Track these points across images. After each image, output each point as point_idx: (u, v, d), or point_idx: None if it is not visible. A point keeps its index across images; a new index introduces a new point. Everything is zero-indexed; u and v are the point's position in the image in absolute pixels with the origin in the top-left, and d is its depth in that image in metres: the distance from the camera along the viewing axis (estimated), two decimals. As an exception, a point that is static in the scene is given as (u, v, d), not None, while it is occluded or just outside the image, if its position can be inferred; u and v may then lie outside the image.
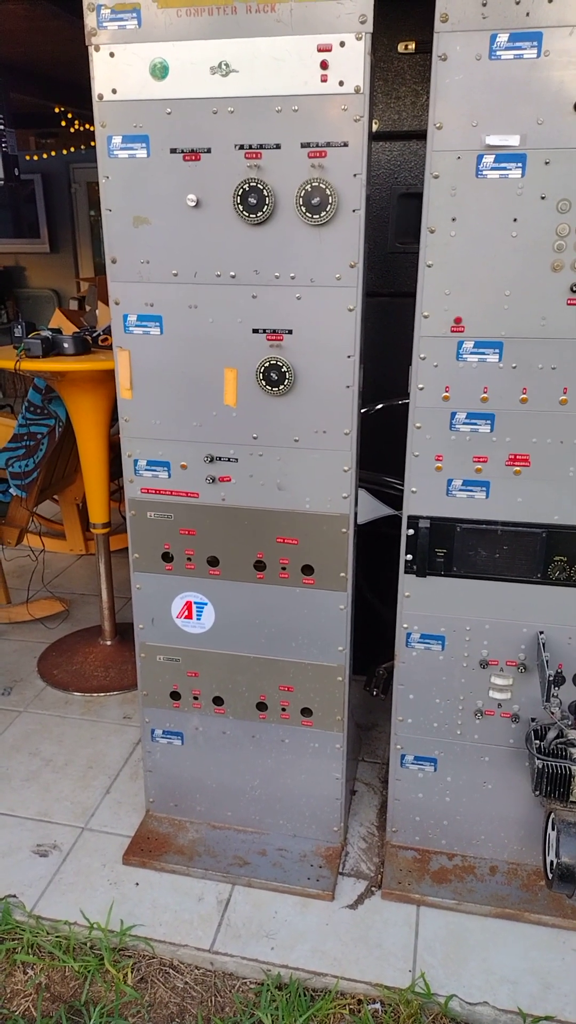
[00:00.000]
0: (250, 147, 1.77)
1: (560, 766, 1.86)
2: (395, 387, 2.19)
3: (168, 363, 1.99)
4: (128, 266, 1.93)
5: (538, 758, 1.88)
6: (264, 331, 1.90)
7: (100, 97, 1.82)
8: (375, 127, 2.49)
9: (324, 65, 1.68)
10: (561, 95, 1.62)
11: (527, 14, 1.59)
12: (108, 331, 2.97)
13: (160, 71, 1.77)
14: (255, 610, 2.15)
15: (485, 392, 1.86)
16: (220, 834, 2.37)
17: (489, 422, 1.88)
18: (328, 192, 1.75)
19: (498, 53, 1.62)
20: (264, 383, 1.93)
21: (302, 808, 2.32)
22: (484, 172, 1.70)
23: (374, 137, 2.26)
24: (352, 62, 1.67)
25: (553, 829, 1.89)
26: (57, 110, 7.27)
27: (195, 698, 2.28)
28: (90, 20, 1.77)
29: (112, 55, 1.78)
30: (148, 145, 1.82)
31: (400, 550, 2.03)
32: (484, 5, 1.60)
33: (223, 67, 1.73)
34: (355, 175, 1.74)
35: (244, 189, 1.78)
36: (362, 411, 2.00)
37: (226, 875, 2.25)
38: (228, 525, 2.09)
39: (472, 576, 2.00)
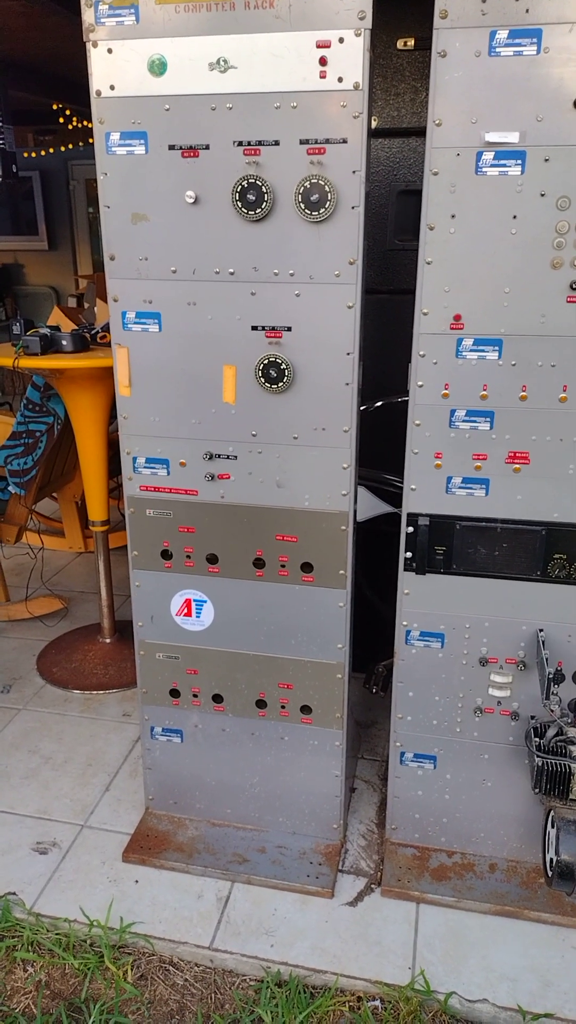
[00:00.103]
0: (249, 144, 1.76)
1: (559, 764, 1.86)
2: (394, 384, 2.18)
3: (167, 360, 1.99)
4: (127, 263, 1.93)
5: (537, 756, 1.88)
6: (263, 328, 1.90)
7: (98, 93, 1.81)
8: (374, 124, 2.49)
9: (323, 61, 1.68)
10: (561, 92, 1.62)
11: (527, 11, 1.58)
12: (107, 328, 2.96)
13: (158, 67, 1.76)
14: (254, 608, 2.15)
15: (485, 389, 1.85)
16: (219, 831, 2.38)
17: (489, 420, 1.88)
18: (327, 189, 1.74)
19: (498, 50, 1.62)
20: (263, 380, 1.93)
21: (301, 805, 2.32)
22: (484, 169, 1.70)
23: (373, 134, 2.25)
24: (351, 58, 1.67)
25: (552, 827, 1.89)
26: (55, 107, 7.24)
27: (194, 696, 2.28)
28: (88, 16, 1.77)
29: (110, 51, 1.78)
30: (146, 142, 1.82)
31: (399, 548, 2.02)
32: (484, 1, 1.59)
33: (221, 63, 1.73)
34: (354, 172, 1.73)
35: (243, 186, 1.78)
36: (361, 408, 2.00)
37: (226, 872, 2.25)
38: (227, 522, 2.09)
39: (472, 574, 2.00)
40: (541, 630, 1.99)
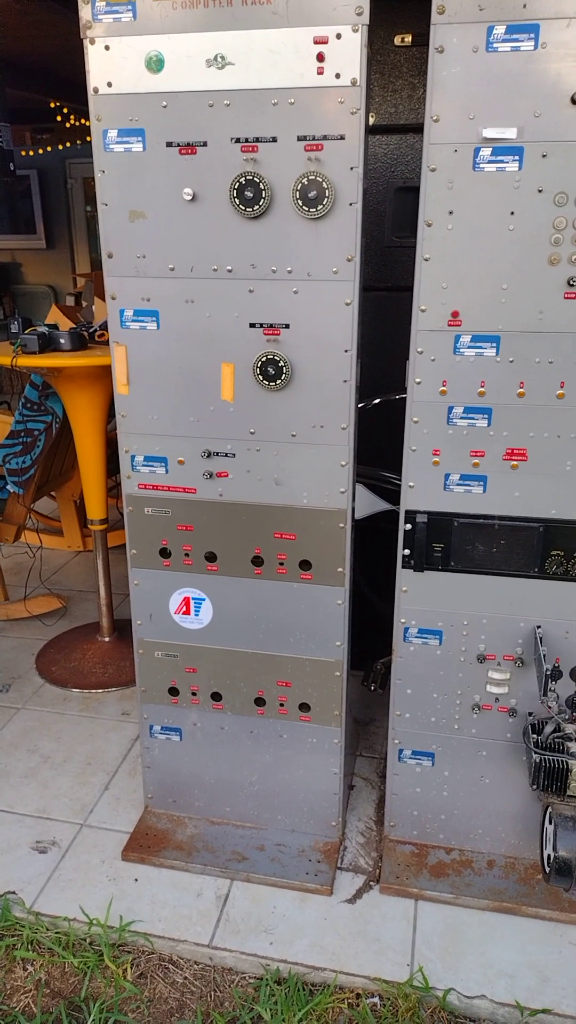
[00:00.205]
0: (246, 140, 1.76)
1: (557, 760, 1.86)
2: (392, 381, 2.18)
3: (165, 358, 1.98)
4: (124, 261, 1.93)
5: (535, 752, 1.88)
6: (261, 325, 1.90)
7: (95, 91, 1.81)
8: (372, 120, 2.49)
9: (320, 58, 1.68)
10: (558, 87, 1.62)
11: (524, 6, 1.58)
12: (105, 326, 2.96)
13: (156, 64, 1.76)
14: (253, 605, 2.15)
15: (482, 386, 1.85)
16: (218, 829, 2.38)
17: (486, 416, 1.88)
18: (325, 185, 1.74)
19: (495, 45, 1.62)
20: (261, 378, 1.92)
21: (300, 803, 2.32)
22: (481, 165, 1.70)
23: (371, 130, 2.25)
24: (349, 54, 1.67)
25: (550, 823, 1.89)
26: (53, 105, 7.24)
27: (193, 694, 2.28)
28: (85, 13, 1.77)
29: (107, 48, 1.77)
30: (144, 139, 1.81)
31: (397, 545, 2.02)
32: (481, -3, 1.59)
33: (219, 60, 1.73)
34: (352, 168, 1.73)
35: (240, 183, 1.77)
36: (359, 406, 2.00)
37: (225, 870, 2.25)
38: (226, 520, 2.09)
39: (469, 571, 2.00)
40: (539, 627, 1.99)
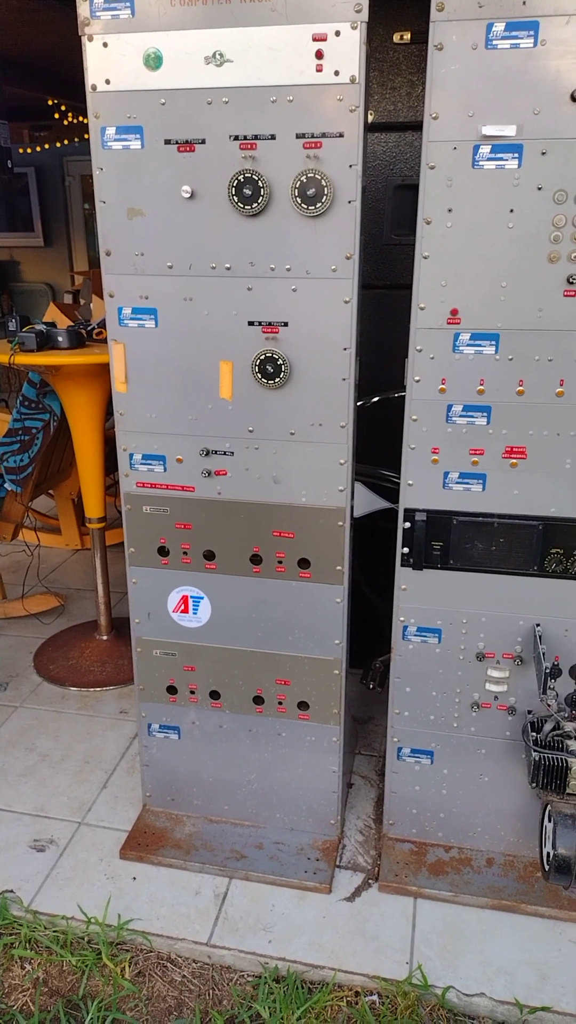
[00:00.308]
0: (245, 138, 1.76)
1: (556, 758, 1.86)
2: (391, 380, 2.18)
3: (163, 356, 1.98)
4: (122, 258, 1.92)
5: (534, 750, 1.88)
6: (260, 324, 1.89)
7: (93, 88, 1.81)
8: (370, 118, 2.48)
9: (319, 55, 1.67)
10: (558, 84, 1.61)
11: (523, 3, 1.58)
12: (103, 324, 2.95)
13: (154, 61, 1.76)
14: (251, 604, 2.15)
15: (481, 384, 1.85)
16: (217, 828, 2.37)
17: (485, 414, 1.87)
18: (324, 183, 1.74)
19: (494, 42, 1.61)
20: (260, 376, 1.92)
21: (299, 801, 2.32)
22: (480, 162, 1.69)
23: (369, 128, 2.24)
24: (347, 52, 1.66)
25: (550, 821, 1.89)
26: (50, 102, 7.22)
27: (192, 692, 2.28)
28: (83, 10, 1.76)
29: (105, 45, 1.77)
30: (142, 136, 1.81)
31: (396, 543, 2.02)
32: (480, -6, 1.59)
33: (217, 57, 1.72)
34: (351, 166, 1.73)
35: (239, 180, 1.77)
36: (358, 404, 1.99)
37: (223, 869, 2.25)
38: (224, 519, 2.09)
39: (469, 569, 2.00)
40: (538, 625, 1.99)
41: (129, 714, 2.99)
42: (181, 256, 1.88)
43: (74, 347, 2.91)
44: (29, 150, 8.24)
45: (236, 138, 1.76)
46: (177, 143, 1.80)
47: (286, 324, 1.88)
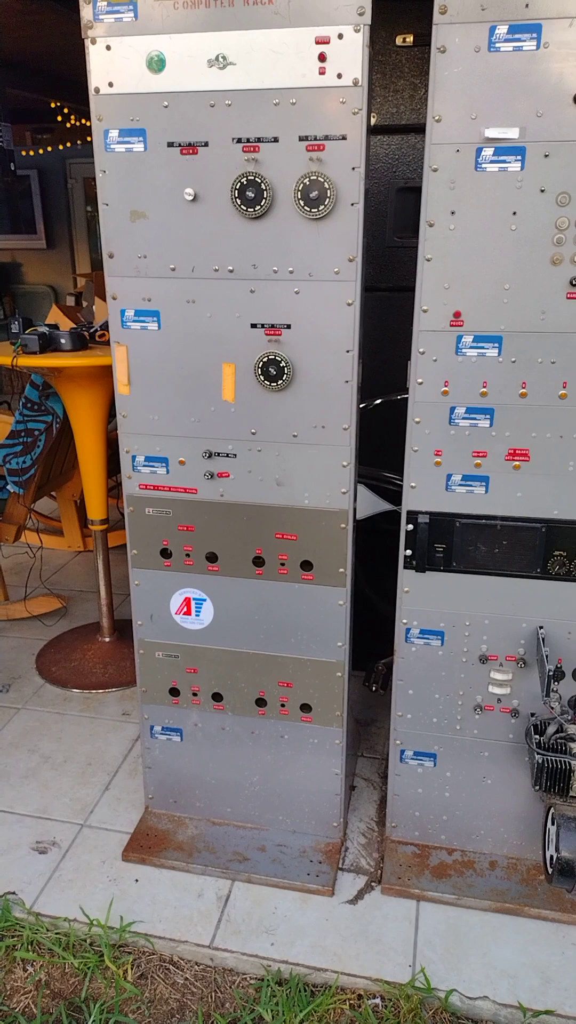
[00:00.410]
0: (248, 140, 1.76)
1: (560, 761, 1.86)
2: (394, 382, 2.18)
3: (166, 358, 1.98)
4: (125, 261, 1.92)
5: (538, 753, 1.88)
6: (262, 326, 1.89)
7: (96, 90, 1.81)
8: (373, 121, 2.48)
9: (322, 58, 1.67)
10: (561, 87, 1.61)
11: (526, 5, 1.58)
12: (105, 326, 2.96)
13: (157, 64, 1.76)
14: (254, 606, 2.15)
15: (484, 386, 1.85)
16: (219, 830, 2.37)
17: (488, 417, 1.87)
18: (326, 186, 1.74)
19: (497, 45, 1.61)
20: (262, 378, 1.92)
21: (301, 804, 2.32)
22: (483, 165, 1.69)
23: (372, 131, 2.25)
24: (350, 54, 1.66)
25: (553, 824, 1.89)
26: (53, 105, 7.24)
27: (194, 694, 2.27)
28: (86, 13, 1.76)
29: (108, 48, 1.77)
30: (145, 139, 1.81)
31: (399, 545, 2.02)
32: (483, -3, 1.59)
33: (220, 60, 1.72)
34: (354, 168, 1.73)
35: (242, 183, 1.77)
36: (361, 406, 1.99)
37: (226, 871, 2.25)
38: (227, 521, 2.09)
39: (471, 571, 2.00)
40: (541, 627, 1.99)
41: (131, 716, 2.99)
42: (184, 258, 1.89)
43: (77, 349, 2.91)
44: (32, 152, 8.26)
45: (239, 141, 1.76)
46: (180, 146, 1.80)
47: (289, 326, 1.88)
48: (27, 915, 2.13)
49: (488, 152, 1.68)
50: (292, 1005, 1.89)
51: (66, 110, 7.41)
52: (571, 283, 1.73)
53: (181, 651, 2.25)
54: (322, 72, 1.68)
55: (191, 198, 1.82)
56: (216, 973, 2.00)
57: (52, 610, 3.78)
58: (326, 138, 1.72)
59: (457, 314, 1.81)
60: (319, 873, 2.23)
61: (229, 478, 2.05)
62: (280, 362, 1.89)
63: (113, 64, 1.78)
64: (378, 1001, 1.91)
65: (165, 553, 2.16)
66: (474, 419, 1.88)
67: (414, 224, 1.81)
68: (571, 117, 1.63)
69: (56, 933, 2.08)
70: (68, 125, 7.65)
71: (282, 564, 2.09)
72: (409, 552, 2.01)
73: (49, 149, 8.25)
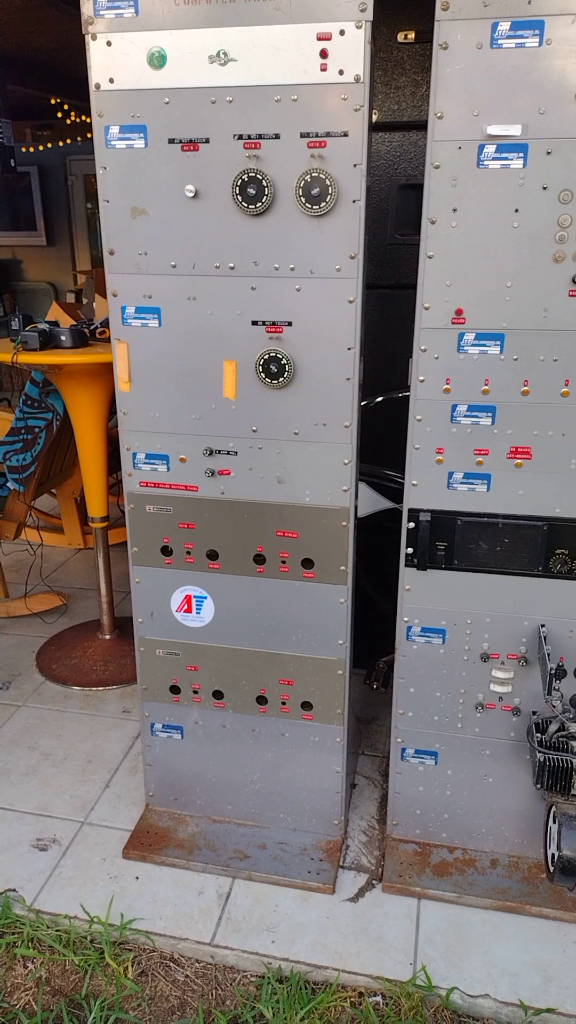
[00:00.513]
0: (249, 137, 1.75)
1: (561, 759, 1.86)
2: (395, 380, 2.17)
3: (167, 355, 1.98)
4: (126, 258, 1.92)
5: (539, 751, 1.88)
6: (263, 323, 1.89)
7: (97, 87, 1.80)
8: (375, 117, 2.48)
9: (324, 54, 1.67)
10: (563, 84, 1.61)
11: (529, 2, 1.57)
12: (106, 323, 2.95)
13: (158, 60, 1.75)
14: (255, 604, 2.15)
15: (486, 384, 1.85)
16: (220, 828, 2.37)
17: (490, 414, 1.87)
18: (328, 182, 1.73)
19: (499, 42, 1.61)
20: (263, 375, 1.92)
21: (302, 802, 2.32)
22: (485, 162, 1.69)
23: (374, 128, 2.24)
24: (352, 51, 1.66)
25: (554, 822, 1.89)
26: (53, 101, 7.22)
27: (195, 692, 2.27)
28: (87, 8, 1.75)
29: (109, 44, 1.76)
30: (146, 135, 1.81)
31: (400, 543, 2.02)
32: (485, -7, 1.58)
33: (221, 56, 1.72)
34: (355, 165, 1.72)
35: (243, 180, 1.77)
36: (362, 404, 1.99)
37: (226, 869, 2.25)
38: (227, 518, 2.09)
39: (473, 569, 1.99)
40: (543, 625, 1.99)
41: (132, 713, 2.99)
42: (185, 255, 1.88)
43: (77, 346, 2.90)
44: (32, 149, 8.25)
45: (240, 137, 1.76)
46: (181, 142, 1.79)
47: (290, 324, 1.88)
48: (27, 912, 2.13)
49: (490, 149, 1.68)
50: (293, 1003, 1.89)
51: (66, 106, 7.40)
52: (573, 280, 1.73)
53: (182, 649, 2.24)
54: (324, 68, 1.68)
55: (192, 195, 1.81)
56: (217, 970, 2.00)
57: (52, 607, 3.78)
58: (327, 135, 1.72)
59: (459, 311, 1.80)
60: (320, 871, 2.23)
61: (230, 476, 2.05)
62: (281, 359, 1.89)
63: (114, 60, 1.77)
64: (379, 999, 1.91)
65: (166, 551, 2.16)
66: (476, 417, 1.88)
67: (416, 221, 1.80)
68: (573, 114, 1.62)
69: (56, 930, 2.08)
70: (68, 122, 7.63)
71: (283, 562, 2.09)
72: (410, 550, 2.01)
73: (49, 146, 8.24)
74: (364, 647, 2.37)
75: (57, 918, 2.12)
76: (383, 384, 2.43)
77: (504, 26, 1.60)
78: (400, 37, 2.42)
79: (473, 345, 1.82)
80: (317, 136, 1.72)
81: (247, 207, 1.79)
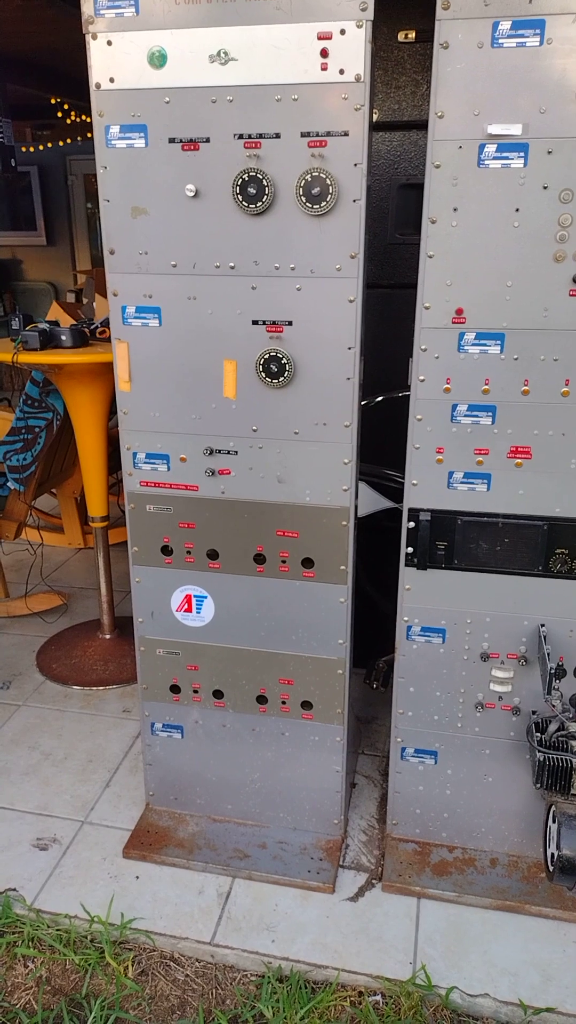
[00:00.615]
0: (249, 136, 1.75)
1: (561, 759, 1.86)
2: (396, 379, 2.17)
3: (167, 355, 1.98)
4: (126, 257, 1.92)
5: (539, 751, 1.88)
6: (264, 323, 1.89)
7: (97, 86, 1.80)
8: (375, 117, 2.48)
9: (324, 53, 1.67)
10: (564, 83, 1.61)
11: (530, 1, 1.57)
12: (106, 323, 2.95)
13: (158, 59, 1.75)
14: (255, 603, 2.15)
15: (486, 384, 1.85)
16: (220, 827, 2.37)
17: (490, 414, 1.87)
18: (328, 182, 1.73)
19: (500, 41, 1.61)
20: (264, 375, 1.92)
21: (302, 801, 2.32)
22: (486, 161, 1.69)
23: (374, 127, 2.24)
24: (352, 50, 1.66)
25: (554, 822, 1.89)
26: (53, 101, 7.22)
27: (195, 691, 2.27)
28: (87, 8, 1.75)
29: (109, 43, 1.76)
30: (146, 134, 1.81)
31: (401, 543, 2.02)
32: (486, -8, 1.58)
33: (222, 55, 1.72)
34: (356, 165, 1.72)
35: (243, 179, 1.77)
36: (362, 403, 1.99)
37: (226, 868, 2.25)
38: (228, 518, 2.09)
39: (473, 569, 1.99)
40: (543, 625, 1.99)
41: (132, 713, 2.99)
42: (185, 255, 1.88)
43: (77, 346, 2.91)
44: (32, 149, 8.24)
45: (240, 137, 1.76)
46: (181, 142, 1.79)
47: (290, 323, 1.88)
48: (28, 912, 2.13)
49: (491, 148, 1.68)
50: (293, 1002, 1.89)
51: (66, 106, 7.39)
52: (574, 280, 1.73)
53: (182, 648, 2.24)
54: (324, 68, 1.68)
55: (192, 194, 1.81)
56: (217, 970, 2.00)
57: (53, 607, 3.78)
58: (328, 134, 1.71)
59: (459, 311, 1.80)
60: (320, 870, 2.23)
61: (230, 475, 2.05)
62: (281, 359, 1.89)
63: (114, 60, 1.77)
64: (379, 998, 1.91)
65: (166, 550, 2.16)
66: (476, 416, 1.88)
67: (416, 221, 1.80)
68: (574, 113, 1.62)
69: (57, 930, 2.08)
70: (68, 121, 7.63)
71: (283, 561, 2.09)
72: (410, 549, 2.01)
73: (49, 145, 8.23)
74: (364, 647, 2.37)
75: (57, 917, 2.12)
76: (383, 384, 2.43)
77: (505, 25, 1.60)
78: (401, 36, 2.42)
79: (473, 345, 1.82)
80: (317, 135, 1.72)
81: (247, 206, 1.79)
